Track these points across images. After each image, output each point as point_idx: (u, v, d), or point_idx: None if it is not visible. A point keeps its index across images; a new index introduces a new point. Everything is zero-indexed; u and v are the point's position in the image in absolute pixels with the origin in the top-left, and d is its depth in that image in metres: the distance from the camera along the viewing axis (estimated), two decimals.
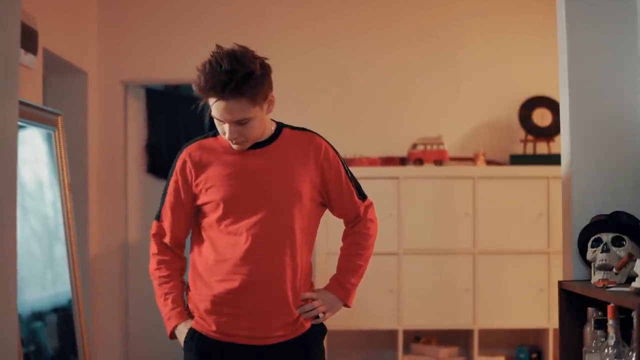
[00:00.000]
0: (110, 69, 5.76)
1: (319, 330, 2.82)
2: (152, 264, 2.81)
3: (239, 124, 2.61)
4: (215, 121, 2.66)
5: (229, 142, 2.68)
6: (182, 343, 2.74)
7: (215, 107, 2.59)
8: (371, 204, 2.93)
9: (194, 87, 2.60)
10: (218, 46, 2.61)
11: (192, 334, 2.72)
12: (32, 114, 4.03)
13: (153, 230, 2.81)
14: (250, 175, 2.70)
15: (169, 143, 6.03)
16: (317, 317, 2.80)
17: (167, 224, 2.78)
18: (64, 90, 5.49)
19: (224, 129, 2.65)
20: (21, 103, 3.79)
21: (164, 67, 5.79)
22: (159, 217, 2.79)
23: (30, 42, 4.36)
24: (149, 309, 6.00)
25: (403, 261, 5.33)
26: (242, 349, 2.69)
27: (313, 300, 2.78)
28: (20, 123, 3.88)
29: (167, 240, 2.79)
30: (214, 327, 2.69)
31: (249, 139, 2.67)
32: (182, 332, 2.73)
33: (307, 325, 2.77)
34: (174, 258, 2.80)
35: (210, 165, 2.71)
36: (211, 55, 2.59)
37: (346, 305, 2.87)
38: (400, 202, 5.34)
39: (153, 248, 2.81)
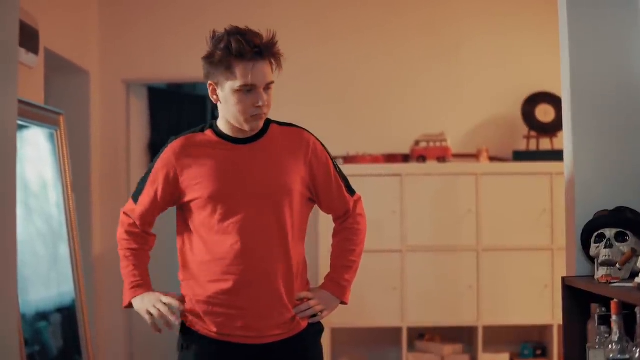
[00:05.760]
0: (112, 68, 5.76)
1: (317, 328, 2.80)
2: (121, 233, 2.81)
3: (267, 88, 2.63)
4: (237, 96, 2.60)
5: (252, 116, 2.63)
6: (141, 310, 2.71)
7: (245, 72, 2.57)
8: (360, 198, 2.91)
9: (218, 57, 2.58)
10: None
11: (189, 334, 2.72)
12: (33, 114, 4.03)
13: (127, 208, 2.81)
14: (239, 170, 2.67)
15: None
16: (315, 315, 2.79)
17: (140, 210, 2.76)
18: (66, 89, 5.48)
19: (251, 101, 2.60)
20: (23, 102, 3.79)
21: (166, 66, 5.80)
22: (136, 200, 2.77)
23: (31, 41, 4.36)
24: None
25: (406, 258, 5.32)
26: (240, 348, 2.68)
27: (309, 299, 2.76)
28: (22, 123, 3.87)
29: (137, 222, 2.79)
30: (211, 327, 2.68)
31: (269, 110, 2.67)
32: (143, 300, 2.72)
33: (304, 324, 2.76)
34: (142, 233, 2.80)
35: (197, 160, 2.68)
36: (227, 28, 2.62)
37: (343, 303, 2.85)
38: (403, 199, 5.33)
39: (123, 221, 2.81)
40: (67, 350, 4.17)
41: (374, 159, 5.48)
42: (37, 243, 4.10)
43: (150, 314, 2.69)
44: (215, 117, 2.67)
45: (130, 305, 2.75)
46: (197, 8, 5.77)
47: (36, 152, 4.20)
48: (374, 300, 5.25)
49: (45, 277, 4.15)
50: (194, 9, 5.78)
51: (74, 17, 5.39)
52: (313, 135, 2.80)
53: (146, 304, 2.70)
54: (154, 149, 6.05)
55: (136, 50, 5.79)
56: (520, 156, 5.54)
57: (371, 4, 5.81)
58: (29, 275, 3.93)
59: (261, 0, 5.78)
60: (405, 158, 5.61)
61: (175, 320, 2.67)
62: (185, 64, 5.68)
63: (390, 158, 5.57)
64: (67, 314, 4.25)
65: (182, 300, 2.73)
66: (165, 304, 2.68)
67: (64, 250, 4.30)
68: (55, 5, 4.94)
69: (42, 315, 4.01)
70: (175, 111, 6.25)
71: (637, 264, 2.54)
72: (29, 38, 4.30)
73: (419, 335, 5.57)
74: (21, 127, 3.89)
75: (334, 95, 5.76)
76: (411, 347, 5.53)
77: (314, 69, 5.73)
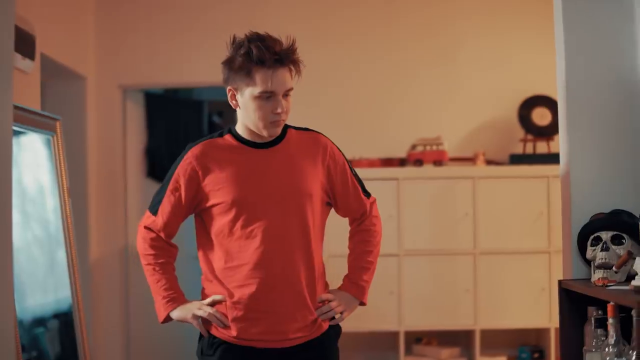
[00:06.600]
0: (108, 73, 5.76)
1: (335, 330, 2.83)
2: (145, 247, 2.78)
3: (286, 95, 2.66)
4: (257, 102, 2.62)
5: (271, 122, 2.64)
6: (182, 317, 2.73)
7: (265, 79, 2.60)
8: (375, 200, 2.95)
9: (238, 63, 2.60)
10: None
11: (211, 340, 2.72)
12: (30, 120, 4.02)
13: (146, 222, 2.78)
14: (261, 174, 2.68)
15: (169, 147, 6.03)
16: (334, 317, 2.81)
17: (162, 220, 2.74)
18: (62, 95, 5.48)
19: (271, 108, 2.62)
20: (19, 108, 3.78)
21: (162, 71, 5.79)
22: (155, 212, 2.76)
23: (27, 47, 4.35)
24: (150, 313, 5.99)
25: (403, 262, 5.32)
26: (262, 352, 2.69)
27: (330, 301, 2.78)
28: (18, 129, 3.87)
29: (161, 233, 2.77)
30: (234, 333, 2.69)
31: (287, 116, 2.69)
32: (183, 309, 2.74)
33: (325, 326, 2.78)
34: (166, 246, 2.79)
35: (218, 166, 2.69)
36: (248, 34, 2.63)
37: (362, 304, 2.88)
38: (400, 203, 5.33)
39: (145, 235, 2.78)
40: (64, 356, 4.17)
41: (371, 163, 5.48)
42: (34, 248, 4.10)
43: (198, 317, 2.70)
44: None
45: (166, 320, 2.76)
46: (194, 13, 5.77)
47: (33, 157, 4.19)
48: (371, 304, 5.19)
49: (43, 283, 4.14)
50: (190, 15, 5.78)
51: (70, 22, 5.39)
52: (329, 139, 2.82)
53: (189, 310, 2.72)
54: (151, 154, 6.05)
55: (132, 55, 5.79)
56: (516, 159, 5.55)
57: (367, 8, 5.81)
58: (26, 280, 3.92)
59: (259, 5, 5.78)
60: (401, 162, 5.61)
61: (227, 321, 2.69)
62: (181, 69, 5.70)
63: (387, 162, 5.57)
64: (65, 320, 4.24)
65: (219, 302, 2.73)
66: (209, 304, 2.71)
67: (61, 255, 4.29)
68: (51, 10, 4.94)
69: (40, 321, 4.00)
70: (172, 116, 6.25)
71: (633, 267, 2.54)
72: (25, 43, 4.30)
73: (416, 339, 5.57)
74: (17, 132, 3.89)
75: (331, 99, 5.76)
76: (408, 351, 5.52)
77: (311, 72, 5.64)
